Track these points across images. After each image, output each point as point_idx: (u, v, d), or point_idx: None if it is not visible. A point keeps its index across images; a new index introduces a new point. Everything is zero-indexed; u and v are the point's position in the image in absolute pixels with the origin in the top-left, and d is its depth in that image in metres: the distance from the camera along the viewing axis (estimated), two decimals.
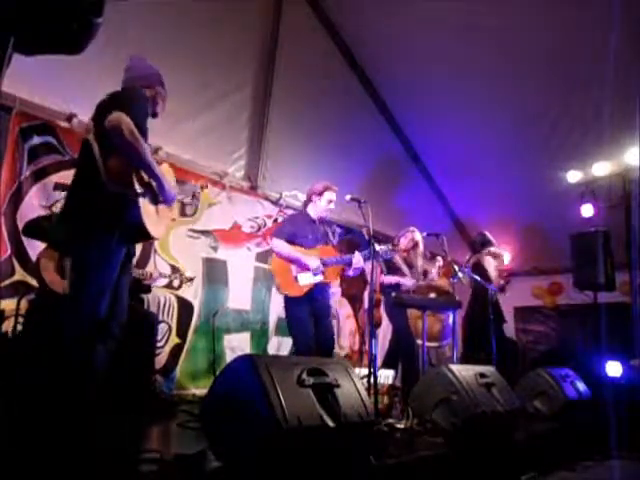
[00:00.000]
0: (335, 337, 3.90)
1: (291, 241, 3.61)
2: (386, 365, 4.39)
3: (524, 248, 7.15)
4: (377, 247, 3.41)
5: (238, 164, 5.22)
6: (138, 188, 2.21)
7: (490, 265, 5.13)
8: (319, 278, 3.52)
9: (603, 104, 4.71)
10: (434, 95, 5.72)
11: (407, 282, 4.56)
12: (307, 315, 3.51)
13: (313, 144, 5.62)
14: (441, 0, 4.74)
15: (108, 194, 2.13)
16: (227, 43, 4.77)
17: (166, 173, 2.54)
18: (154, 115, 2.55)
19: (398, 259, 4.63)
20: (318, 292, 3.56)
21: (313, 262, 3.50)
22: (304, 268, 3.52)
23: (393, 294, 4.42)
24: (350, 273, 3.62)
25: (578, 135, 5.47)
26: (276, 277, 3.68)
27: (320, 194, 3.71)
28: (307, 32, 5.35)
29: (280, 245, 3.59)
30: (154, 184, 2.33)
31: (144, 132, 2.29)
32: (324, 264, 3.53)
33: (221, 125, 4.96)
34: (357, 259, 3.51)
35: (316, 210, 3.74)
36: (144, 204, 2.25)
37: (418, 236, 4.69)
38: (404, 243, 4.68)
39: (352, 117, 5.85)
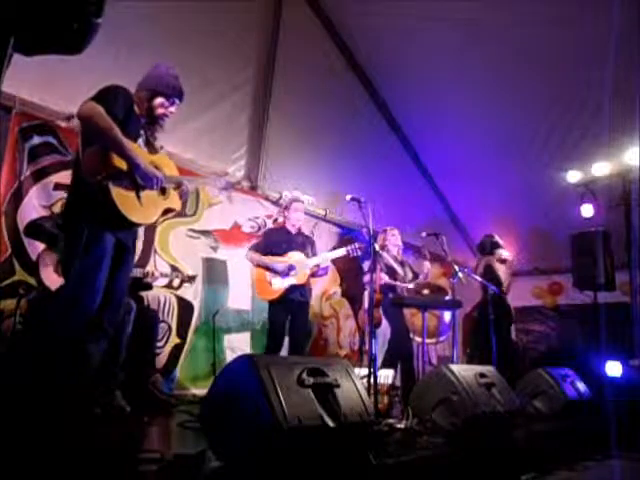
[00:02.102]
0: (335, 338, 4.05)
1: (264, 253, 4.07)
2: (385, 365, 4.40)
3: (524, 248, 7.15)
4: (376, 247, 3.44)
5: (238, 164, 5.22)
6: (106, 172, 2.20)
7: (500, 268, 5.14)
8: (291, 281, 3.90)
9: (603, 104, 4.71)
10: (434, 95, 5.72)
11: (401, 278, 4.66)
12: (282, 318, 3.95)
13: (313, 144, 5.63)
14: (442, 0, 4.75)
15: (82, 184, 2.17)
16: (227, 43, 4.78)
17: (164, 165, 2.54)
18: (151, 119, 2.58)
19: (389, 259, 4.66)
20: (293, 293, 3.93)
21: (280, 265, 3.93)
22: (274, 272, 3.94)
23: (391, 295, 4.44)
24: (320, 272, 4.05)
25: (578, 135, 5.47)
26: (255, 284, 4.15)
27: (287, 208, 4.22)
28: (307, 32, 5.35)
29: (252, 256, 4.11)
30: (132, 168, 2.30)
31: (123, 123, 2.28)
32: (292, 269, 3.92)
33: (221, 125, 4.96)
34: (323, 258, 3.96)
35: (291, 221, 4.18)
36: (115, 189, 2.23)
37: (396, 230, 4.90)
38: (394, 242, 4.77)
39: (352, 117, 5.85)
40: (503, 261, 5.19)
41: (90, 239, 2.19)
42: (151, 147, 2.60)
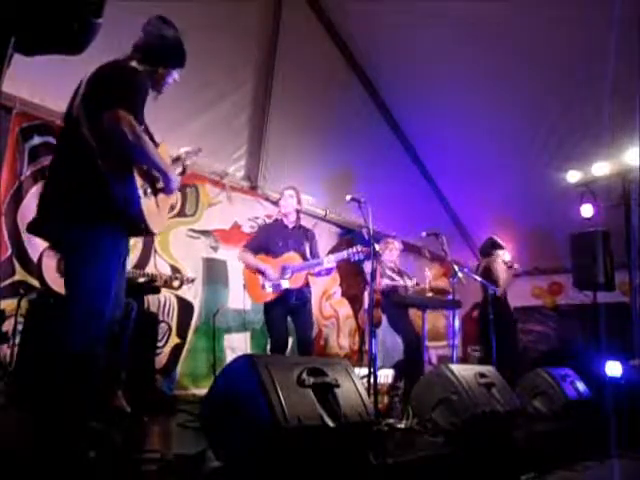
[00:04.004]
0: (335, 338, 3.94)
1: (259, 251, 3.87)
2: (398, 377, 4.30)
3: (524, 248, 7.15)
4: (377, 247, 3.42)
5: (238, 164, 5.22)
6: (140, 183, 2.09)
7: (500, 269, 5.13)
8: (285, 285, 3.71)
9: (603, 104, 4.72)
10: (434, 95, 5.72)
11: (402, 285, 4.61)
12: (280, 317, 3.74)
13: (313, 144, 5.63)
14: (442, 0, 4.75)
15: (108, 187, 1.97)
16: (227, 43, 4.78)
17: (163, 154, 2.36)
18: (155, 92, 2.34)
19: (387, 271, 4.64)
20: (289, 298, 3.73)
21: (272, 270, 3.73)
22: (266, 278, 3.75)
23: (391, 295, 4.42)
24: (322, 273, 3.80)
25: (578, 135, 5.47)
26: (247, 287, 3.90)
27: (280, 201, 4.00)
28: (307, 32, 5.35)
29: (244, 257, 3.89)
30: (160, 177, 2.19)
31: (142, 118, 2.13)
32: (286, 272, 3.71)
33: (221, 125, 4.96)
34: (328, 260, 3.70)
35: (285, 210, 3.94)
36: (145, 201, 2.11)
37: (397, 245, 4.85)
38: (389, 256, 4.75)
39: (352, 117, 5.85)
40: (504, 263, 5.17)
41: (114, 248, 2.03)
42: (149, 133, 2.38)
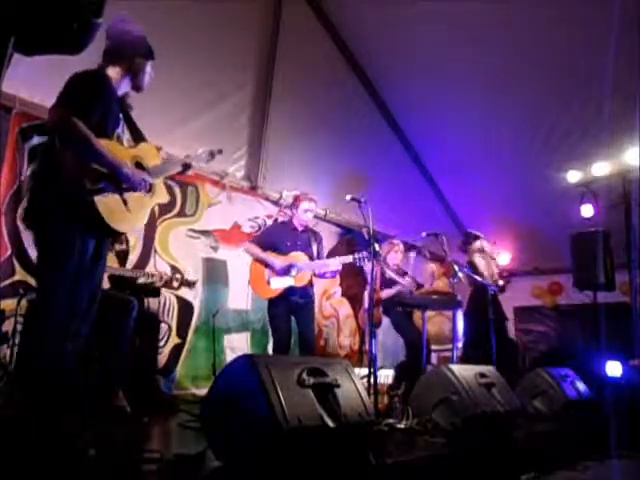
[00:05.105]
0: (335, 338, 3.95)
1: (266, 248, 3.89)
2: (401, 377, 4.29)
3: (524, 248, 7.15)
4: (377, 247, 3.43)
5: (238, 164, 5.22)
6: (88, 185, 2.05)
7: (480, 263, 5.06)
8: (290, 282, 3.74)
9: (603, 104, 4.72)
10: (434, 95, 5.72)
11: (405, 285, 4.59)
12: (283, 314, 3.77)
13: (313, 144, 5.62)
14: (442, 0, 4.74)
15: (63, 188, 2.03)
16: (227, 43, 4.77)
17: (148, 156, 2.38)
18: (138, 89, 2.40)
19: (390, 272, 4.64)
20: (292, 295, 3.77)
21: (278, 262, 3.76)
22: (272, 269, 3.78)
23: (399, 309, 4.40)
24: (327, 275, 3.85)
25: (578, 135, 5.47)
26: (251, 281, 3.97)
27: (295, 206, 4.01)
28: (307, 32, 5.35)
29: (251, 248, 3.94)
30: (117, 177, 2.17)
31: (104, 116, 2.16)
32: (292, 269, 3.74)
33: (221, 125, 4.95)
34: (333, 262, 3.74)
35: (298, 220, 3.98)
36: (102, 200, 2.08)
37: (402, 246, 4.88)
38: (393, 259, 4.75)
39: (352, 117, 5.85)
40: (481, 250, 5.09)
41: (71, 244, 2.03)
42: (133, 130, 2.40)
